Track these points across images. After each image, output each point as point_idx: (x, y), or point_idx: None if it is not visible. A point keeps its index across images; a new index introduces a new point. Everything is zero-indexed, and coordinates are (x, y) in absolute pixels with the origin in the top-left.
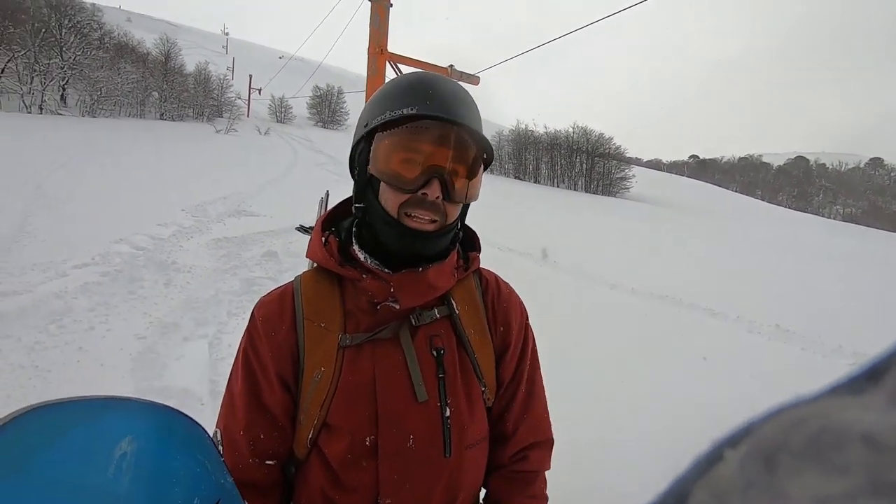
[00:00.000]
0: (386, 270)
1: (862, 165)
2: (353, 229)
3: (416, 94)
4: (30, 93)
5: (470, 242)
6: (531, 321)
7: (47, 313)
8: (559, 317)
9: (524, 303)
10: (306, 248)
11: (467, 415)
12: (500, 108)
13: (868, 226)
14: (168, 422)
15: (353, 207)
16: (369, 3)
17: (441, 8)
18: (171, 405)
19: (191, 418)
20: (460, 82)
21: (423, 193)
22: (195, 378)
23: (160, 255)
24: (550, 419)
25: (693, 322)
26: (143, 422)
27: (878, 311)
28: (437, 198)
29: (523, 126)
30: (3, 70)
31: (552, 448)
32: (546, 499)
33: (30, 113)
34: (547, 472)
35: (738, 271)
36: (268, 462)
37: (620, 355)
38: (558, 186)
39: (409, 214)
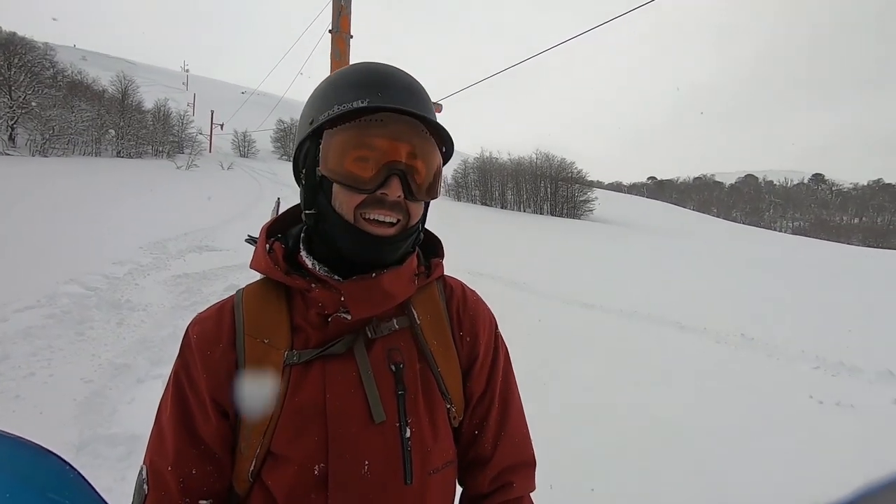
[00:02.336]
0: (336, 278)
1: (806, 181)
2: (302, 235)
3: (366, 84)
4: None
5: (433, 248)
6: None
7: None
8: (533, 338)
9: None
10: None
11: (430, 436)
12: (464, 137)
13: (815, 237)
14: (4, 453)
15: (302, 215)
16: (330, 36)
17: (403, 38)
18: (119, 452)
19: (47, 451)
20: None
21: (382, 193)
22: (148, 422)
23: (113, 294)
24: (531, 437)
25: (664, 336)
26: None
27: (836, 318)
28: (399, 196)
29: (488, 154)
30: None
31: (535, 468)
32: None
33: None
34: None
35: (700, 285)
36: (202, 501)
37: (596, 372)
38: (525, 211)
39: (366, 217)
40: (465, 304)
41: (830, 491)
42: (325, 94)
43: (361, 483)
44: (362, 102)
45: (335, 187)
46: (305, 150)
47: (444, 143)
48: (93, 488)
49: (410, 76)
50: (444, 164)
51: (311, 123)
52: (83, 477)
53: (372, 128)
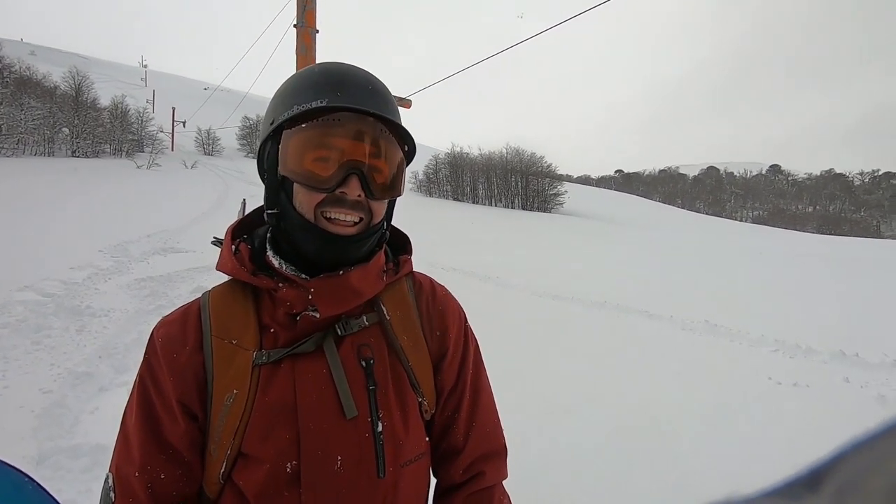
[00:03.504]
0: (303, 276)
1: (764, 172)
2: (268, 235)
3: (325, 84)
4: None
5: (401, 246)
6: (482, 338)
7: None
8: (506, 331)
9: (466, 313)
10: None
11: (402, 429)
12: (434, 132)
13: (773, 226)
14: None
15: (265, 215)
16: (295, 31)
17: (371, 34)
18: (82, 464)
19: (1, 463)
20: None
21: (342, 192)
22: (113, 431)
23: (72, 300)
24: (502, 426)
25: (632, 324)
26: None
27: (793, 303)
28: (359, 196)
29: (458, 149)
30: None
31: (506, 456)
32: None
33: None
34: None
35: (667, 275)
36: None
37: (570, 362)
38: (496, 205)
39: (327, 217)
40: (434, 299)
41: (787, 467)
42: (286, 94)
43: (334, 478)
44: (321, 102)
45: (296, 187)
46: (268, 151)
47: (406, 141)
48: (53, 498)
49: (371, 75)
50: (408, 162)
51: (271, 124)
52: (43, 487)
53: (331, 127)
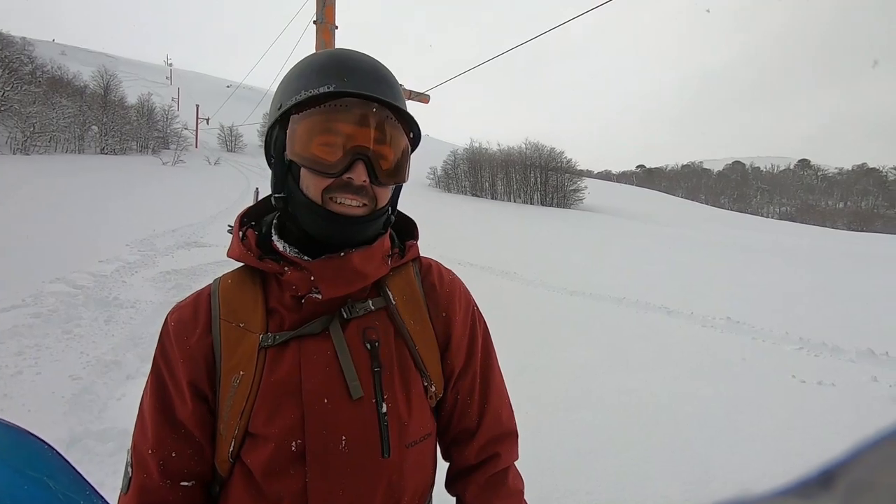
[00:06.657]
0: (305, 258)
1: (792, 167)
2: (275, 221)
3: (332, 70)
4: None
5: (408, 231)
6: (495, 331)
7: None
8: (524, 326)
9: (483, 306)
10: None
11: (406, 410)
12: (452, 127)
13: (801, 222)
14: None
15: (272, 199)
16: (314, 27)
17: (390, 30)
18: (110, 448)
19: (23, 430)
20: (408, 99)
21: (348, 177)
22: None
23: (101, 292)
24: (513, 410)
25: (651, 321)
26: None
27: (819, 300)
28: (364, 181)
29: (477, 144)
30: None
31: (517, 437)
32: (521, 492)
33: None
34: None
35: (688, 271)
36: (183, 483)
37: (587, 358)
38: (515, 201)
39: (334, 200)
40: (440, 283)
41: (810, 466)
42: (293, 79)
43: (339, 457)
44: (328, 87)
45: (303, 171)
46: (275, 136)
47: (411, 128)
48: (72, 466)
49: (378, 62)
50: (413, 149)
51: (279, 108)
52: (62, 456)
53: (337, 113)
